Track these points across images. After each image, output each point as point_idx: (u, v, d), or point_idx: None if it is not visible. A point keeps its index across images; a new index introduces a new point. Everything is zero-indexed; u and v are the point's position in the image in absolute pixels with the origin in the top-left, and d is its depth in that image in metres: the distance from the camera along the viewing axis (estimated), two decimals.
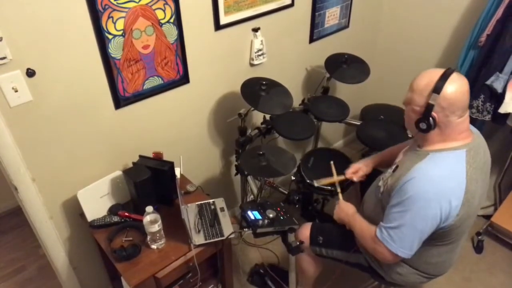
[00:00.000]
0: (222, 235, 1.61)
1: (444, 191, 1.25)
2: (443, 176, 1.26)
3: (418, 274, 1.53)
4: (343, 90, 2.79)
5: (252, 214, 1.53)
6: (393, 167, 1.46)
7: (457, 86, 1.22)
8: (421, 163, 1.30)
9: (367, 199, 1.60)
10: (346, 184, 1.90)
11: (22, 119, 1.43)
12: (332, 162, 1.87)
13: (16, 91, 1.36)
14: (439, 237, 1.37)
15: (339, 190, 1.78)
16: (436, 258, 1.47)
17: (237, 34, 1.96)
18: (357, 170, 1.77)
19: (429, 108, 1.25)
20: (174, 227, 1.63)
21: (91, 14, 1.43)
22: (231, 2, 1.83)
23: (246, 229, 1.54)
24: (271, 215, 1.52)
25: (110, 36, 1.51)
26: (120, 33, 1.53)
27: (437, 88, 1.22)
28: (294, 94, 2.02)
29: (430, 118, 1.26)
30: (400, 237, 1.32)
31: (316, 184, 1.91)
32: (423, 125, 1.28)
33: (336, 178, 1.82)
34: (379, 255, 1.40)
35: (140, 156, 1.78)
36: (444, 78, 1.22)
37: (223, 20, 1.85)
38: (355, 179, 1.75)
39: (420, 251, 1.43)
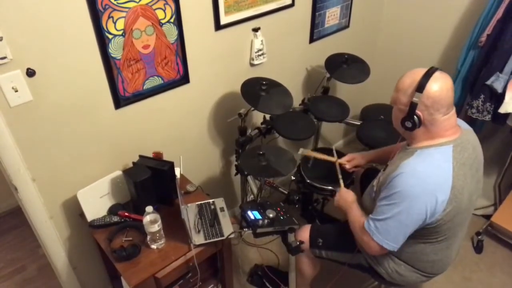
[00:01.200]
0: (222, 235, 1.61)
1: (430, 186, 1.26)
2: (430, 172, 1.28)
3: (417, 273, 1.53)
4: (343, 90, 2.79)
5: (252, 214, 1.53)
6: (385, 166, 1.48)
7: (440, 84, 1.23)
8: (409, 159, 1.32)
9: (365, 198, 1.61)
10: (348, 182, 1.91)
11: (22, 119, 1.43)
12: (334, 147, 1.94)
13: (16, 91, 1.36)
14: (431, 233, 1.38)
15: (340, 177, 1.80)
16: (432, 256, 1.48)
17: (237, 34, 1.96)
18: (352, 159, 1.83)
19: (413, 106, 1.27)
20: (174, 227, 1.63)
21: (91, 14, 1.43)
22: (231, 2, 1.83)
23: (246, 229, 1.54)
24: (271, 215, 1.52)
25: (110, 36, 1.51)
26: (120, 33, 1.53)
27: (420, 87, 1.24)
28: (294, 94, 2.02)
29: (415, 117, 1.28)
30: (385, 229, 1.34)
31: (300, 152, 1.95)
32: (408, 124, 1.31)
33: (327, 157, 1.90)
34: (365, 245, 1.43)
35: (140, 156, 1.78)
36: (426, 77, 1.24)
37: (223, 20, 1.85)
38: (347, 166, 1.82)
39: (415, 249, 1.45)
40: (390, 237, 1.35)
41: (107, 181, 1.71)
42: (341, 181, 1.79)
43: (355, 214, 1.51)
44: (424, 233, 1.37)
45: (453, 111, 1.31)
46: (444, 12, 2.46)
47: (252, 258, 2.34)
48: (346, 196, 1.62)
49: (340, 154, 1.92)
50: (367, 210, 1.53)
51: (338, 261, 1.69)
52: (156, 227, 1.52)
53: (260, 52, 2.08)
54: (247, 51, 2.07)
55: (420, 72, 1.27)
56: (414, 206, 1.28)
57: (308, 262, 1.78)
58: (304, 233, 1.72)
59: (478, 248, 2.37)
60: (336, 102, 2.35)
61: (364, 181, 1.90)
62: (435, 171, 1.28)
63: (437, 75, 1.25)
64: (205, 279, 1.87)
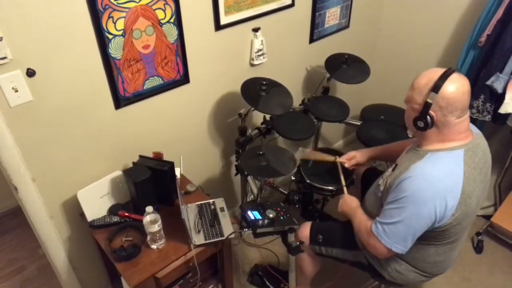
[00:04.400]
0: (222, 235, 1.61)
1: (440, 190, 1.26)
2: (440, 176, 1.27)
3: (417, 273, 1.53)
4: (343, 90, 2.79)
5: (252, 214, 1.53)
6: (393, 166, 1.47)
7: (456, 86, 1.23)
8: (419, 162, 1.31)
9: (368, 197, 1.61)
10: (349, 182, 1.91)
11: (22, 119, 1.43)
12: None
13: (16, 91, 1.37)
14: (436, 236, 1.38)
15: (344, 183, 1.80)
16: (434, 257, 1.48)
17: (237, 34, 1.96)
18: (352, 157, 1.82)
19: (427, 106, 1.26)
20: (174, 227, 1.63)
21: (91, 14, 1.43)
22: (231, 2, 1.83)
23: (246, 229, 1.54)
24: (271, 215, 1.52)
25: (110, 36, 1.51)
26: (120, 33, 1.53)
27: (436, 87, 1.23)
28: (294, 94, 2.02)
29: (428, 117, 1.27)
30: (394, 233, 1.34)
31: (298, 153, 1.93)
32: (420, 123, 1.30)
33: (326, 157, 1.90)
34: (372, 249, 1.42)
35: (140, 156, 1.78)
36: (443, 78, 1.23)
37: (223, 20, 1.85)
38: (347, 165, 1.81)
39: (418, 250, 1.44)
40: (399, 240, 1.34)
41: (107, 181, 1.71)
42: (345, 188, 1.79)
43: (361, 218, 1.50)
44: (430, 235, 1.37)
45: (467, 115, 1.30)
46: (444, 12, 2.46)
47: (252, 258, 2.34)
48: (350, 201, 1.61)
49: (340, 155, 1.91)
50: (370, 209, 1.54)
51: (338, 258, 1.69)
52: (156, 227, 1.52)
53: (260, 52, 2.08)
54: (247, 51, 2.07)
55: (437, 72, 1.26)
56: (423, 210, 1.27)
57: (308, 259, 1.78)
58: (305, 229, 1.72)
59: (478, 248, 2.37)
60: (336, 102, 2.35)
61: (365, 181, 1.90)
62: (446, 176, 1.27)
63: (454, 76, 1.24)
64: (205, 279, 1.87)
